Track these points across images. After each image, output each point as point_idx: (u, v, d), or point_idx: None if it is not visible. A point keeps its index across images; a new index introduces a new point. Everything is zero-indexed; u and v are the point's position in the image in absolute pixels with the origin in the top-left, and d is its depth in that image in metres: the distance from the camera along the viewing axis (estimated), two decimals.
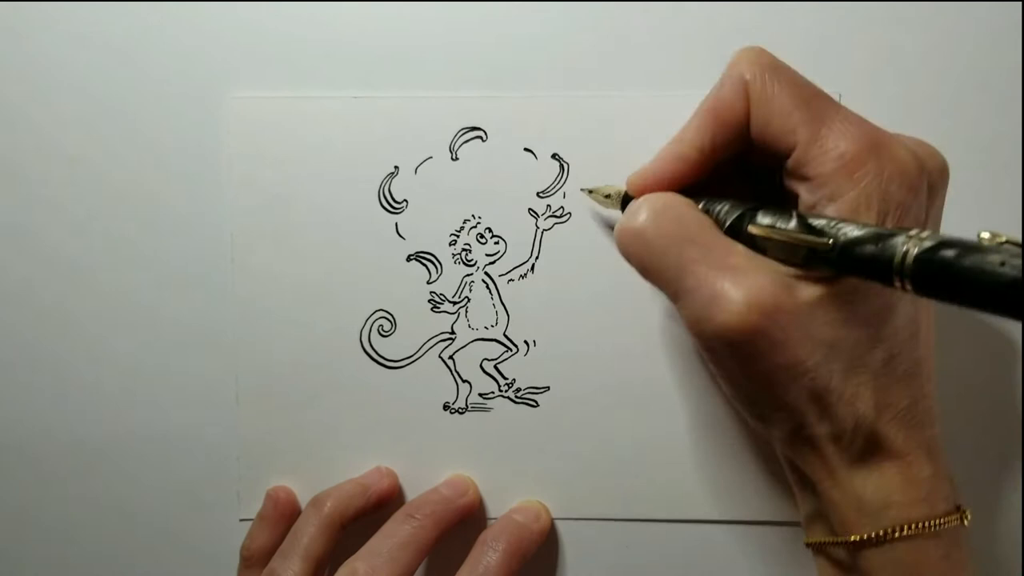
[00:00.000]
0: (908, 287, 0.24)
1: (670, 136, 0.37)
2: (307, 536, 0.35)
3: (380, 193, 0.38)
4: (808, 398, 0.28)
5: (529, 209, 0.38)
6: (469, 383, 0.38)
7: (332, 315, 0.38)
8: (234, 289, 0.38)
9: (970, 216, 0.37)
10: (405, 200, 0.38)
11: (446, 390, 0.38)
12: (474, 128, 0.38)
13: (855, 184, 0.27)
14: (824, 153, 0.28)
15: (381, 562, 0.34)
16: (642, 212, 0.30)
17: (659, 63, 0.37)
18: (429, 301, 0.38)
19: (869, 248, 0.25)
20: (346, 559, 0.34)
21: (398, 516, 0.36)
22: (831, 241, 0.26)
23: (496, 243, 0.38)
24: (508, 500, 0.38)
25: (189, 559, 0.39)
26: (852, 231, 0.26)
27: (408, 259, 0.38)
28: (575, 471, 0.38)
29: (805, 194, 0.29)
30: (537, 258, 0.38)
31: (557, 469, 0.38)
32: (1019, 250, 0.23)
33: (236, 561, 0.38)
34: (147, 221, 0.39)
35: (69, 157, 0.39)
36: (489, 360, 0.38)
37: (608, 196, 0.35)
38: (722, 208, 0.30)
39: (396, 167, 0.38)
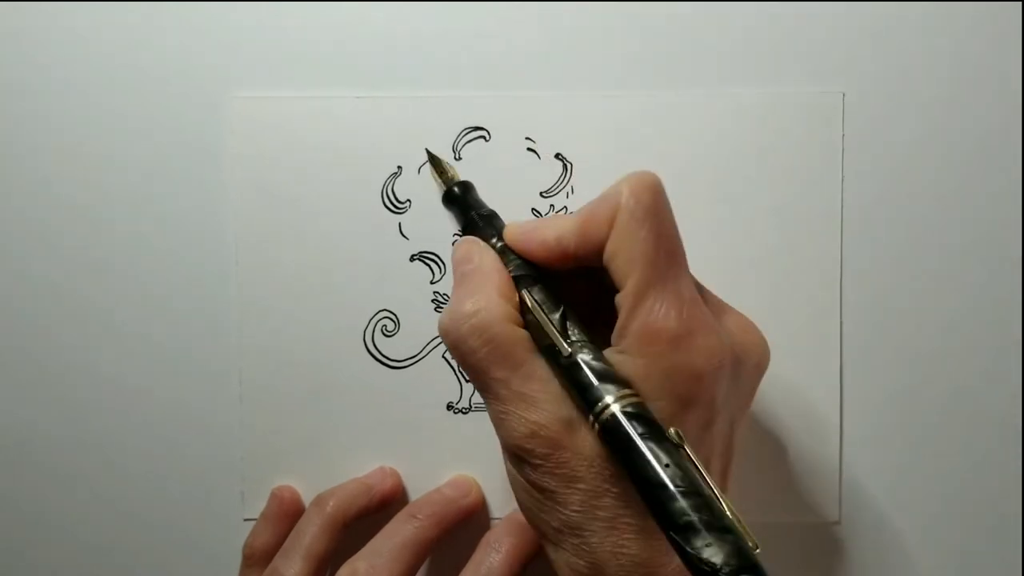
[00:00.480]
0: (596, 431, 0.27)
1: (671, 136, 0.37)
2: (309, 535, 0.35)
3: (383, 193, 0.38)
4: (567, 527, 0.28)
5: (532, 209, 0.38)
6: None
7: (335, 315, 0.38)
8: (237, 289, 0.38)
9: (970, 217, 0.37)
10: (408, 200, 0.38)
11: (449, 390, 0.38)
12: (477, 128, 0.38)
13: (644, 357, 0.27)
14: (635, 312, 0.28)
15: (382, 562, 0.34)
16: (462, 322, 0.29)
17: (662, 62, 0.37)
18: (432, 301, 0.38)
19: (588, 378, 0.27)
20: (348, 558, 0.34)
21: (400, 516, 0.36)
22: (568, 352, 0.28)
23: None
24: (510, 499, 0.38)
25: (193, 559, 0.39)
26: (587, 356, 0.28)
27: (411, 259, 0.38)
28: None
29: (614, 334, 0.29)
30: None
31: None
32: (688, 463, 0.25)
33: (240, 561, 0.38)
34: (150, 222, 0.39)
35: (71, 157, 0.38)
36: None
37: (445, 175, 0.35)
38: (513, 261, 0.31)
39: (399, 167, 0.38)
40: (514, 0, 0.37)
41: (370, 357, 0.38)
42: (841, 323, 0.38)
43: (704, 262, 0.37)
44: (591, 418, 0.27)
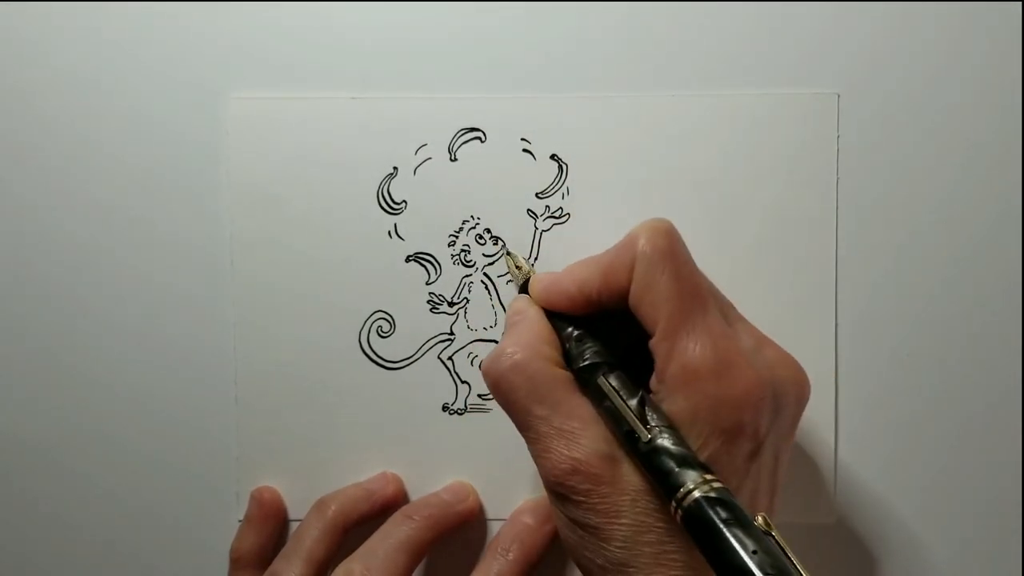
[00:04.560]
0: (678, 518, 0.26)
1: (667, 137, 0.37)
2: (310, 539, 0.36)
3: (379, 194, 0.38)
4: (612, 564, 0.28)
5: (528, 210, 0.38)
6: (468, 384, 0.38)
7: (331, 316, 0.38)
8: (233, 290, 0.38)
9: (967, 218, 0.37)
10: (404, 201, 0.38)
11: (445, 391, 0.38)
12: (473, 129, 0.38)
13: (687, 398, 0.28)
14: (671, 356, 0.29)
15: (377, 563, 0.34)
16: (503, 360, 0.31)
17: (658, 63, 0.37)
18: (428, 302, 0.38)
19: (668, 464, 0.27)
20: (344, 557, 0.34)
21: (396, 517, 0.36)
22: (648, 438, 0.27)
23: (495, 244, 0.38)
24: (506, 500, 0.38)
25: (187, 559, 0.39)
26: (667, 441, 0.27)
27: (407, 260, 0.38)
28: None
29: (653, 380, 0.30)
30: (536, 259, 0.38)
31: None
32: (777, 550, 0.25)
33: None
34: (146, 222, 0.39)
35: (68, 157, 0.39)
36: None
37: (519, 268, 0.36)
38: (588, 348, 0.31)
39: (395, 168, 0.38)
40: (510, 1, 0.37)
41: (365, 358, 0.38)
42: (836, 324, 0.37)
43: (700, 263, 0.37)
44: (673, 504, 0.26)
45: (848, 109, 0.37)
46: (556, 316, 0.33)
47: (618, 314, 0.31)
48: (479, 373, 0.38)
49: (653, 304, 0.29)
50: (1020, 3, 0.37)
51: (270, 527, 0.38)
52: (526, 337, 0.31)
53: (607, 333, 0.32)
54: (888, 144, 0.37)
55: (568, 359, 0.32)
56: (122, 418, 0.39)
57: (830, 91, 0.37)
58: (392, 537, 0.35)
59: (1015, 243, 0.37)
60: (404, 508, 0.36)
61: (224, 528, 0.39)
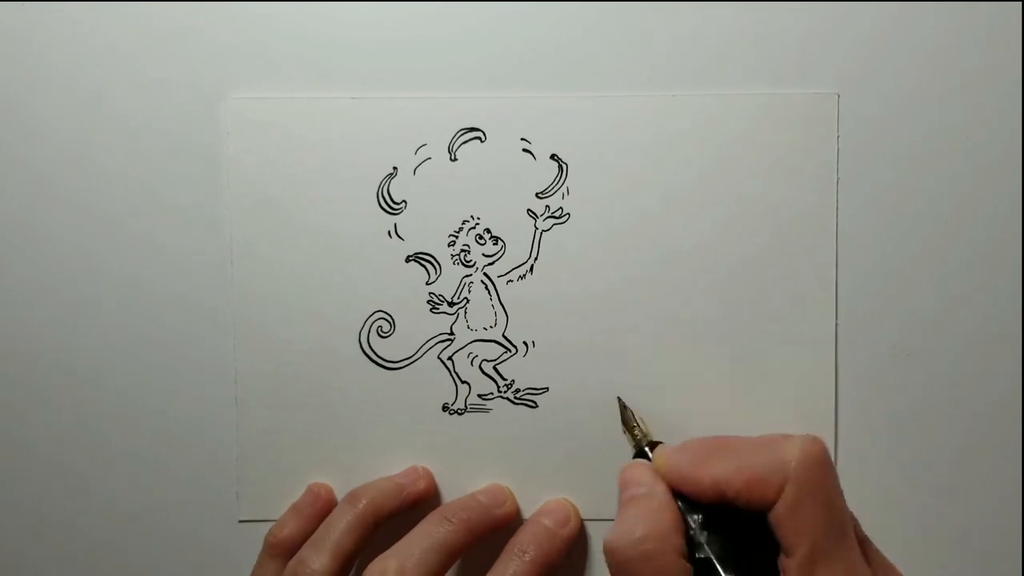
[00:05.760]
0: None
1: (665, 136, 0.37)
2: (339, 531, 0.35)
3: (379, 194, 0.38)
4: None
5: (528, 210, 0.38)
6: (468, 384, 0.38)
7: (331, 316, 0.38)
8: (233, 290, 0.38)
9: (967, 217, 0.37)
10: (404, 201, 0.38)
11: (445, 391, 0.38)
12: (473, 129, 0.38)
13: None
14: None
15: (412, 563, 0.34)
16: (634, 546, 0.29)
17: (657, 63, 0.37)
18: (428, 302, 0.38)
19: None
20: (374, 551, 0.34)
21: (433, 517, 0.36)
22: None
23: (495, 244, 0.38)
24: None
25: (188, 559, 0.39)
26: None
27: (407, 260, 0.38)
28: (574, 472, 0.38)
29: None
30: (536, 259, 0.38)
31: (555, 470, 0.38)
32: None
33: (235, 562, 0.38)
34: (146, 222, 0.39)
35: (68, 158, 0.39)
36: (488, 361, 0.38)
37: (640, 432, 0.35)
38: (712, 541, 0.30)
39: (395, 168, 0.38)
40: (510, 1, 0.37)
41: (365, 358, 0.38)
42: (836, 324, 0.37)
43: (700, 263, 0.38)
44: None
45: (848, 109, 0.37)
46: (680, 496, 0.32)
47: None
48: (479, 373, 0.38)
49: (797, 531, 0.28)
50: (1020, 3, 0.37)
51: (315, 522, 0.37)
52: (658, 526, 0.30)
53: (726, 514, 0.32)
54: (888, 144, 0.37)
55: (689, 544, 0.31)
56: (122, 418, 0.39)
57: (830, 91, 0.37)
58: (428, 537, 0.35)
59: (1015, 242, 0.37)
60: (441, 509, 0.36)
61: (224, 528, 0.39)
